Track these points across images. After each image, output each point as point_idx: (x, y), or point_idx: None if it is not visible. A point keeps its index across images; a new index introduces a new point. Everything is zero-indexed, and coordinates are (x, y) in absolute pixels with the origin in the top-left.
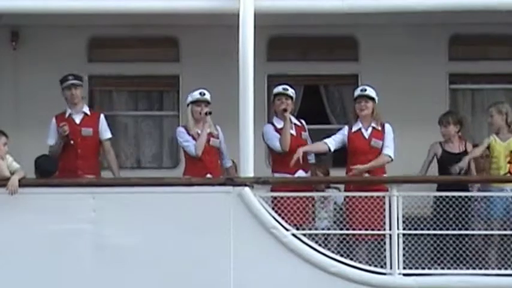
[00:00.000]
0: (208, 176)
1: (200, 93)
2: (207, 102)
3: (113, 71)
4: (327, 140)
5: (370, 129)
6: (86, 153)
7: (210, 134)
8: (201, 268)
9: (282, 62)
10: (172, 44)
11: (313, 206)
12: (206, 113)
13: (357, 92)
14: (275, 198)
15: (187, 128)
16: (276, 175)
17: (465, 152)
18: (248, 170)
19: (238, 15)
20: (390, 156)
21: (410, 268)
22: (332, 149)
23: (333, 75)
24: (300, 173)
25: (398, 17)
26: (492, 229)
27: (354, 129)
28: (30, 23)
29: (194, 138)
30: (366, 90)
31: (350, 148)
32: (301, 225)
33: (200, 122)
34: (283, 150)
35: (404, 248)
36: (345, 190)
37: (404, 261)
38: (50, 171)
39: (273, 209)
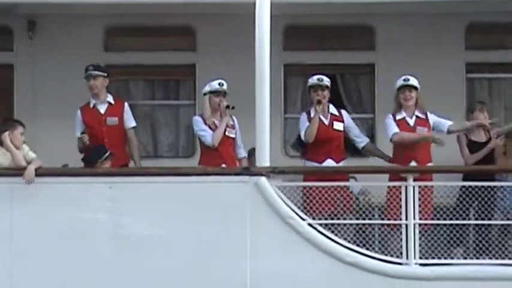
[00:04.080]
0: (223, 166)
1: (219, 84)
2: (224, 93)
3: (129, 60)
4: (395, 129)
5: (414, 117)
6: (113, 143)
7: (226, 125)
8: (217, 257)
9: (298, 51)
10: (189, 33)
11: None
12: (228, 107)
13: (400, 82)
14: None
15: (204, 117)
16: (307, 163)
17: (490, 141)
18: (264, 159)
19: (254, 4)
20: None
21: (427, 258)
22: None
23: (350, 65)
24: (329, 162)
25: (415, 6)
26: (509, 219)
27: (398, 117)
28: (46, 13)
29: (211, 128)
30: (409, 80)
31: None
32: (329, 215)
33: (217, 112)
34: (306, 140)
35: (420, 238)
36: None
37: (420, 251)
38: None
39: (302, 198)
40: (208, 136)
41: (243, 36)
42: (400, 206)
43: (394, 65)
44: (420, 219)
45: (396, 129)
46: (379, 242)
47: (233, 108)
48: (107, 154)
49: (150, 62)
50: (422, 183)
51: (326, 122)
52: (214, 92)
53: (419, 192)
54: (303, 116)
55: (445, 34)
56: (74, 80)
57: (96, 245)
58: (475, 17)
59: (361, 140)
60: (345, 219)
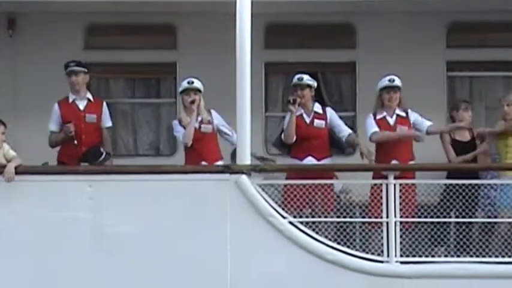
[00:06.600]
0: (204, 163)
1: (188, 82)
2: (196, 90)
3: (109, 59)
4: (374, 129)
5: (394, 116)
6: (90, 140)
7: (201, 121)
8: (198, 255)
9: (279, 49)
10: (170, 31)
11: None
12: (191, 102)
13: (385, 83)
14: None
15: (180, 118)
16: (290, 160)
17: (473, 141)
18: (245, 157)
19: (235, 2)
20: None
21: (408, 256)
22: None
23: (331, 63)
24: (309, 160)
25: (396, 4)
26: (497, 217)
27: (379, 116)
28: (26, 11)
29: (185, 128)
30: (394, 80)
31: None
32: (300, 211)
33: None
34: (285, 141)
35: (401, 236)
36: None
37: (401, 249)
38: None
39: (283, 196)
40: (180, 136)
41: (223, 34)
42: (381, 204)
43: (375, 63)
44: (403, 217)
45: (375, 129)
46: (360, 240)
47: (193, 102)
48: (104, 156)
49: (131, 60)
50: (403, 181)
51: (308, 120)
52: (184, 91)
53: (401, 191)
54: (287, 116)
55: (426, 32)
56: (54, 78)
57: (76, 243)
58: (456, 15)
59: (343, 135)
60: (326, 217)
